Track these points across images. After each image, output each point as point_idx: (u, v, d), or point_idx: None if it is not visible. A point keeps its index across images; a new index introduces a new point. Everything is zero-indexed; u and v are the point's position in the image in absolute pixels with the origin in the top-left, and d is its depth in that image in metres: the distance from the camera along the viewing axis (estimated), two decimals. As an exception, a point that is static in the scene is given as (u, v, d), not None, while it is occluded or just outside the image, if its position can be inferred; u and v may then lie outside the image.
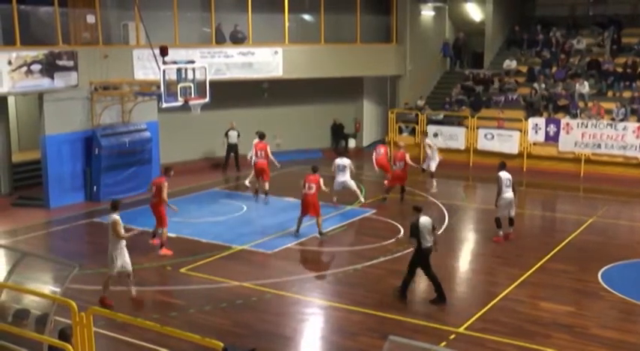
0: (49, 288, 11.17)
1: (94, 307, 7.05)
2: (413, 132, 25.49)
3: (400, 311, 11.21)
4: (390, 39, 26.82)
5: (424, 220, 11.51)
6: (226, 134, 22.68)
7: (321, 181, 15.32)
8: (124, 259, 11.47)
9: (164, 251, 14.17)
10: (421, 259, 11.55)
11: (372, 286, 12.49)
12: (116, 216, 11.45)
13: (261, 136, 18.87)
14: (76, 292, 10.18)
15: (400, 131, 25.82)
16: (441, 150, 24.19)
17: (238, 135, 22.70)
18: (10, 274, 8.68)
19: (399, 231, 15.67)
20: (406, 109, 26.41)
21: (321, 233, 15.25)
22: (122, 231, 11.41)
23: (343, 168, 17.71)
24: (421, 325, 10.75)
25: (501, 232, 14.92)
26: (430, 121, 25.16)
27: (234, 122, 22.86)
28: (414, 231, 11.42)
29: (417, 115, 25.51)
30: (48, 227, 16.79)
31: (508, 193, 14.74)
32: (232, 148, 22.75)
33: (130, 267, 11.57)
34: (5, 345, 7.61)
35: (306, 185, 15.07)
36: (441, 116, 25.46)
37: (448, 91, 26.87)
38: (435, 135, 24.69)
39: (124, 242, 11.48)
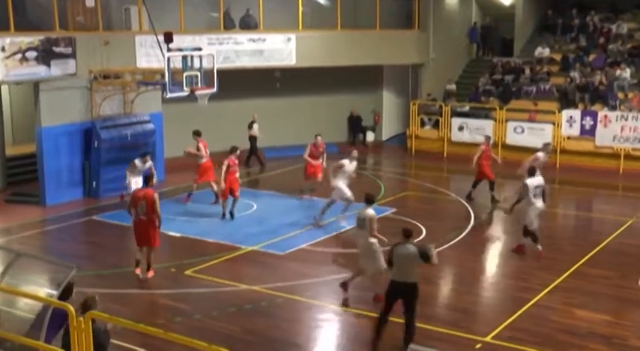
0: (44, 291, 11.23)
1: (93, 312, 7.06)
2: (436, 125, 25.39)
3: (423, 318, 11.12)
4: (411, 25, 26.69)
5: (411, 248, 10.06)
6: (250, 126, 22.76)
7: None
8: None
9: (151, 273, 13.04)
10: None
11: (392, 291, 12.44)
12: (373, 211, 11.65)
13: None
14: (73, 295, 10.20)
15: (422, 124, 25.74)
16: (467, 144, 24.22)
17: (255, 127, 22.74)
18: (3, 275, 8.72)
19: (421, 231, 15.61)
20: (429, 100, 26.31)
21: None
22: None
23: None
24: (445, 333, 10.70)
25: (540, 247, 14.33)
26: (455, 113, 25.05)
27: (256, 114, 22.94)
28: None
29: (440, 106, 25.41)
30: (44, 225, 16.88)
31: (539, 203, 14.06)
32: (254, 141, 22.83)
33: None
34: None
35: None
36: (466, 108, 25.34)
37: (475, 80, 26.74)
38: (461, 128, 24.62)
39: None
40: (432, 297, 12.44)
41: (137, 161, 17.12)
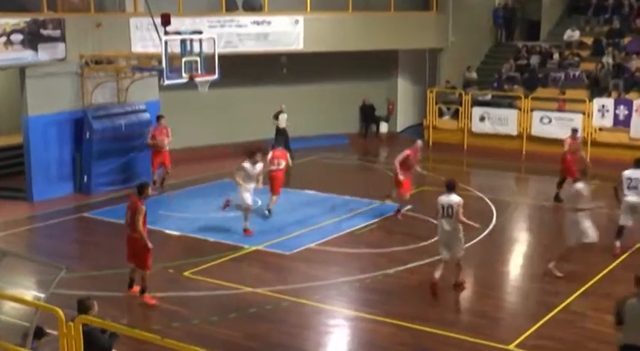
0: (31, 293, 11.25)
1: (84, 316, 7.07)
2: (456, 114, 25.32)
3: (439, 324, 11.14)
4: (429, 6, 26.63)
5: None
6: (276, 117, 22.73)
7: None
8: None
9: (148, 299, 12.06)
10: None
11: (406, 294, 12.44)
12: (458, 197, 12.03)
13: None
14: (63, 298, 10.23)
15: (440, 114, 25.67)
16: (489, 136, 24.16)
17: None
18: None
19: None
20: (448, 87, 26.24)
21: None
22: None
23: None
24: (464, 340, 10.67)
25: (618, 243, 14.26)
26: (476, 102, 24.98)
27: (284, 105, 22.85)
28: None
29: (460, 95, 25.34)
30: (31, 223, 16.92)
31: (631, 197, 13.96)
32: (281, 132, 22.82)
33: None
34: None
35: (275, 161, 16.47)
36: (488, 96, 25.27)
37: (498, 66, 26.64)
38: (482, 119, 24.55)
39: None
40: (452, 301, 12.44)
41: (246, 164, 15.12)
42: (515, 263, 14.62)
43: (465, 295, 12.90)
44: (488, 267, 13.91)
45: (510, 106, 24.64)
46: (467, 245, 14.40)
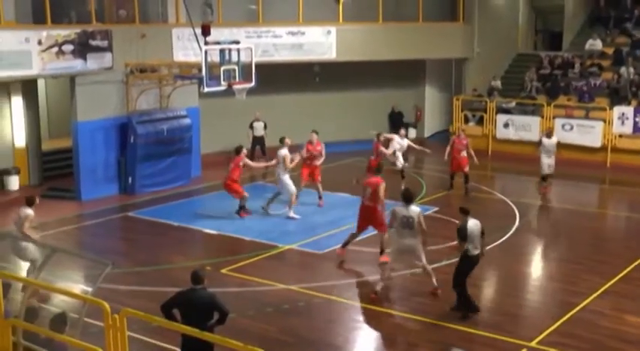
0: (79, 287, 11.43)
1: (128, 309, 7.15)
2: (481, 121, 25.17)
3: (464, 321, 11.08)
4: (456, 17, 26.50)
5: (472, 223, 11.16)
6: (251, 126, 22.64)
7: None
8: None
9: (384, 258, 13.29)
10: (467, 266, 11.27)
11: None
12: None
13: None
14: (108, 292, 10.36)
15: (466, 120, 25.54)
16: (512, 142, 24.01)
17: (265, 126, 22.67)
18: (40, 271, 8.90)
19: (464, 232, 15.48)
20: (475, 95, 26.08)
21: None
22: None
23: None
24: (487, 337, 10.60)
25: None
26: (500, 110, 24.80)
27: (259, 112, 22.54)
28: (463, 235, 11.08)
29: (485, 102, 25.18)
30: (79, 221, 17.13)
31: None
32: (258, 140, 22.78)
33: None
34: (34, 348, 7.78)
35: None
36: (512, 104, 25.07)
37: (521, 75, 26.42)
38: (506, 125, 24.38)
39: None
40: (476, 300, 12.34)
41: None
42: (537, 263, 14.50)
43: (489, 294, 12.83)
44: (511, 267, 13.80)
45: (533, 113, 24.44)
46: (492, 246, 14.43)
